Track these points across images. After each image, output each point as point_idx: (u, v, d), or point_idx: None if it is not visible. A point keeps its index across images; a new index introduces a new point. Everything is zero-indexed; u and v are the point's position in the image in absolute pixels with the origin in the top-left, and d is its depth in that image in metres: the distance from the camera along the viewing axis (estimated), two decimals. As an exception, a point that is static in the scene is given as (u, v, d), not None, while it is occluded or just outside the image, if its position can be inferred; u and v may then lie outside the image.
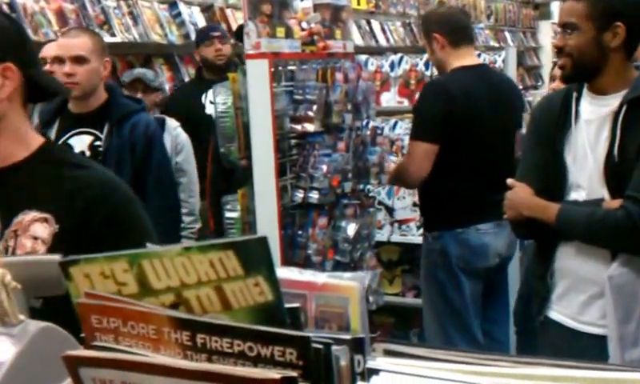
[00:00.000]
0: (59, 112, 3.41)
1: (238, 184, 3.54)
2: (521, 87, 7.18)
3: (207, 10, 6.12)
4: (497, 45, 9.61)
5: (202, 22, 6.02)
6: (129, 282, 0.93)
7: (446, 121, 3.48)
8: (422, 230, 4.07)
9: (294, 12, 3.31)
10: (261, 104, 3.19)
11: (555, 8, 13.10)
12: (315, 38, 3.39)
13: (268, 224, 3.22)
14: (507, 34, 10.47)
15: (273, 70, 3.17)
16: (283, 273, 0.92)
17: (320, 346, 0.82)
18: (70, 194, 1.69)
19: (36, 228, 1.66)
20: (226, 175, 3.74)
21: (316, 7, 3.47)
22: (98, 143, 3.33)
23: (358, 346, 0.87)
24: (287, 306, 0.88)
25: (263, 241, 0.85)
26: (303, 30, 3.33)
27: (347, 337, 0.87)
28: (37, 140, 1.77)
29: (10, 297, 1.13)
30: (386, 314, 4.76)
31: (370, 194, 3.98)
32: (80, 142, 3.34)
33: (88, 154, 3.30)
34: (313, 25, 3.37)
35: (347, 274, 0.94)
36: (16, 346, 1.08)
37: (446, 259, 3.63)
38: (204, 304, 0.90)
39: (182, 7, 5.85)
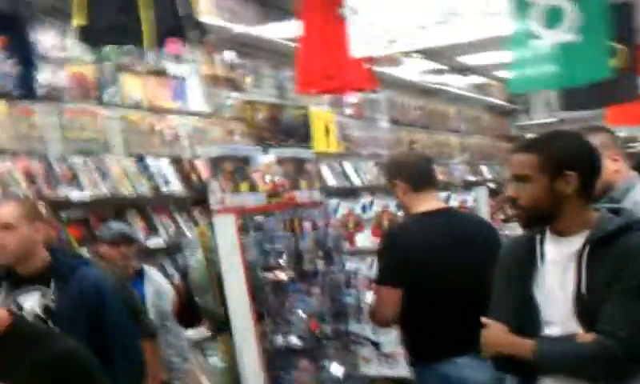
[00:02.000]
0: (7, 272, 3.44)
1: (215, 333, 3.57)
2: (502, 217, 7.28)
3: (176, 162, 6.20)
4: (474, 178, 9.78)
5: (171, 174, 6.07)
6: None
7: (404, 267, 3.54)
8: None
9: (257, 166, 3.41)
10: (231, 256, 3.25)
11: (530, 138, 13.42)
12: (280, 189, 3.48)
13: (251, 366, 3.24)
14: (483, 167, 10.67)
15: (241, 221, 3.24)
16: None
17: None
18: (38, 367, 1.75)
19: None
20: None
21: (279, 160, 3.58)
22: (46, 302, 3.35)
23: None
24: None
25: None
26: (267, 183, 3.43)
27: None
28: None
29: None
30: None
31: (354, 332, 3.99)
32: (30, 299, 3.37)
33: (39, 311, 3.33)
34: (277, 178, 3.47)
35: None
36: None
37: None
38: None
39: (149, 160, 5.92)
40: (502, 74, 11.66)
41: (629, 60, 7.75)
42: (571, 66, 6.47)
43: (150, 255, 5.52)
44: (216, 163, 3.20)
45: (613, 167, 3.23)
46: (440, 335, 3.59)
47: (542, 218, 2.50)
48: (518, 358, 2.48)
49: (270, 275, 3.43)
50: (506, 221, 6.93)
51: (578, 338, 2.40)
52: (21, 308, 3.32)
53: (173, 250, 5.97)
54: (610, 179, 3.20)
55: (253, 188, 3.31)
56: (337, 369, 3.55)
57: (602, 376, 2.39)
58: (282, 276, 3.43)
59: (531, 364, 2.46)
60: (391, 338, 4.85)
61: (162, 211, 6.01)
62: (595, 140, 2.99)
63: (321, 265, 3.62)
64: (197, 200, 4.48)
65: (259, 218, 3.45)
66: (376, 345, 4.87)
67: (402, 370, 4.63)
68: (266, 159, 3.50)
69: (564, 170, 2.47)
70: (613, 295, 2.35)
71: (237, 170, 3.22)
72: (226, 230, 3.26)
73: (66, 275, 3.37)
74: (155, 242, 5.70)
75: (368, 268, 4.90)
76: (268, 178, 3.45)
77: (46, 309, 3.33)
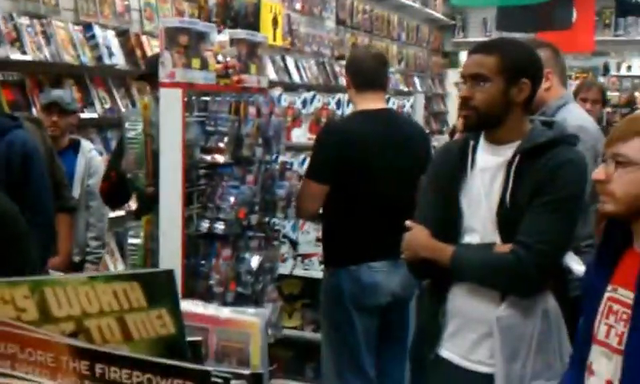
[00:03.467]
0: None
1: (142, 212, 3.51)
2: (427, 131, 7.36)
3: (122, 34, 6.06)
4: (406, 89, 9.83)
5: (116, 47, 5.94)
6: (29, 308, 0.93)
7: (337, 163, 3.56)
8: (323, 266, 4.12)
9: (211, 45, 3.32)
10: (172, 133, 3.18)
11: (463, 57, 13.54)
12: (230, 71, 3.41)
13: (171, 252, 3.20)
14: (416, 80, 10.72)
15: (186, 99, 3.17)
16: (187, 306, 0.93)
17: (220, 381, 0.83)
18: None
19: None
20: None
21: (233, 41, 3.49)
22: None
23: (257, 382, 0.89)
24: (189, 339, 0.89)
25: (169, 274, 0.86)
26: (219, 62, 3.35)
27: (247, 372, 0.89)
28: None
29: None
30: (285, 347, 4.76)
31: (276, 228, 4.00)
32: None
33: None
34: (229, 58, 3.39)
35: (250, 310, 0.96)
36: None
37: (340, 295, 3.68)
38: (105, 334, 0.90)
39: (96, 30, 5.77)
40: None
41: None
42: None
43: (81, 127, 5.40)
44: (171, 35, 3.09)
45: (544, 85, 3.27)
46: (361, 238, 3.65)
47: (490, 123, 2.51)
48: (435, 264, 2.53)
49: (207, 157, 3.38)
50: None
51: (496, 248, 2.46)
52: None
53: (104, 124, 5.86)
54: (541, 94, 3.24)
55: (204, 66, 3.23)
56: (256, 262, 3.55)
57: (514, 287, 2.46)
58: (220, 159, 3.38)
59: (447, 270, 2.52)
60: (310, 239, 4.91)
61: (100, 84, 5.87)
62: (540, 54, 3.02)
63: (259, 152, 3.58)
64: (141, 74, 4.35)
65: (205, 97, 3.38)
66: (294, 244, 4.92)
67: (315, 272, 4.71)
68: (220, 38, 3.41)
69: (520, 77, 2.49)
70: (534, 208, 2.40)
71: (191, 45, 3.13)
72: (170, 105, 3.18)
73: None
74: (88, 115, 5.59)
75: (300, 164, 4.92)
76: (220, 57, 3.37)
77: None
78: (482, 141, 2.58)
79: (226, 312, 0.96)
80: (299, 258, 4.88)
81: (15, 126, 3.51)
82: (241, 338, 0.94)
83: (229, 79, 3.42)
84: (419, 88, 10.62)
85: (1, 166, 3.31)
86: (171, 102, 3.15)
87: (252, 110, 3.43)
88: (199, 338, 0.91)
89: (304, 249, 4.88)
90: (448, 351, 2.63)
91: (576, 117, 3.25)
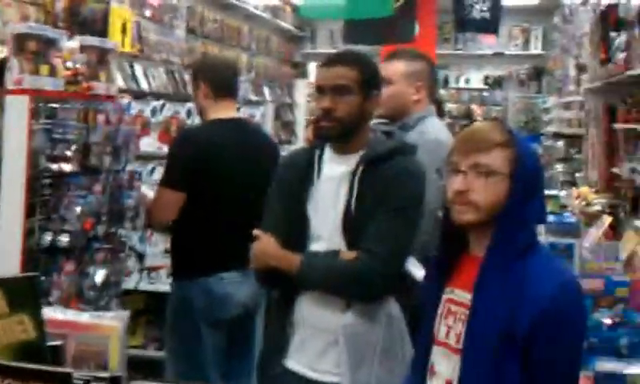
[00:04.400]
0: None
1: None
2: (276, 141, 7.45)
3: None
4: (255, 98, 9.91)
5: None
6: None
7: (193, 171, 3.55)
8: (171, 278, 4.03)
9: (60, 51, 3.26)
10: (17, 140, 3.10)
11: (312, 68, 13.81)
12: (79, 78, 3.36)
13: (9, 266, 3.05)
14: (266, 89, 10.82)
15: (35, 105, 3.10)
16: (47, 312, 0.95)
17: (80, 383, 0.86)
18: None
19: None
20: None
21: (82, 48, 3.44)
22: None
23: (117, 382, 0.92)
24: (49, 344, 0.91)
25: (31, 279, 0.88)
26: (68, 69, 3.29)
27: (106, 375, 0.91)
28: None
29: None
30: (127, 367, 4.61)
31: (122, 239, 3.93)
32: None
33: None
34: (78, 65, 3.34)
35: (109, 314, 0.98)
36: None
37: (189, 308, 3.60)
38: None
39: None
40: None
41: (409, 2, 8.26)
42: (357, 0, 6.82)
43: None
44: (20, 41, 3.02)
45: (415, 96, 3.38)
46: (211, 248, 3.61)
47: (350, 134, 2.58)
48: (282, 273, 2.55)
49: (53, 166, 3.30)
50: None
51: (342, 255, 2.52)
52: None
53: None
54: (409, 106, 3.37)
55: (53, 72, 3.16)
56: (101, 276, 3.49)
57: (360, 293, 2.52)
58: (66, 168, 3.31)
59: (294, 279, 2.55)
60: (157, 251, 4.82)
61: None
62: (416, 65, 3.15)
63: (107, 162, 3.54)
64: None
65: (53, 105, 3.31)
66: (140, 257, 4.82)
67: (162, 285, 4.60)
68: (70, 44, 3.35)
69: (374, 90, 2.61)
70: (377, 215, 2.49)
71: (40, 51, 3.06)
72: (16, 112, 3.09)
73: None
74: None
75: (149, 173, 4.86)
76: (69, 64, 3.31)
77: None
78: (327, 150, 2.65)
79: (85, 317, 0.98)
80: (145, 272, 4.78)
81: None
82: (99, 341, 0.97)
83: (78, 86, 3.36)
84: (269, 97, 10.71)
85: None
86: (17, 109, 3.07)
87: (101, 117, 3.39)
88: (60, 343, 0.92)
89: (151, 261, 4.78)
90: (295, 362, 2.63)
91: (434, 130, 3.38)
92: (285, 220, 2.63)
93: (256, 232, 2.63)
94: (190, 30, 8.06)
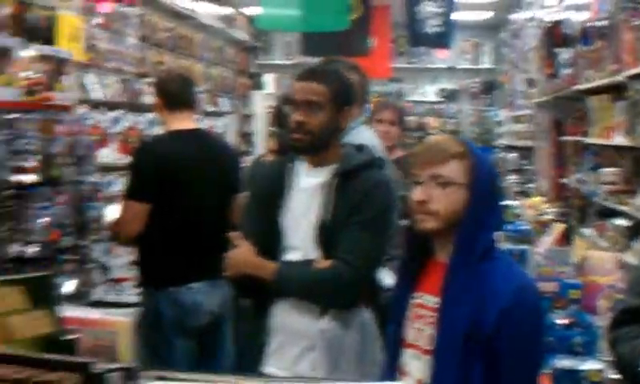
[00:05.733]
0: None
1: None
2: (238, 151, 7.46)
3: None
4: (212, 109, 9.90)
5: None
6: None
7: (155, 181, 3.57)
8: (138, 289, 4.03)
9: (16, 60, 3.24)
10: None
11: (268, 79, 13.84)
12: (37, 88, 3.34)
13: None
14: (223, 100, 10.82)
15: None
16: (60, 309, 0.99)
17: (99, 372, 0.89)
18: None
19: None
20: None
21: (39, 58, 3.42)
22: None
23: (130, 374, 0.95)
24: (65, 337, 0.94)
25: (49, 278, 0.92)
26: (26, 79, 3.27)
27: (122, 365, 0.95)
28: None
29: None
30: None
31: (87, 251, 3.92)
32: None
33: None
34: (36, 74, 3.33)
35: (117, 311, 1.02)
36: None
37: (159, 319, 3.62)
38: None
39: None
40: (249, 10, 11.88)
41: (362, 12, 8.39)
42: (314, 13, 6.90)
43: None
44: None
45: None
46: (178, 258, 3.64)
47: (321, 147, 2.66)
48: (259, 280, 2.62)
49: (15, 178, 3.29)
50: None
51: (316, 264, 2.60)
52: None
53: None
54: None
55: (9, 82, 3.15)
56: (69, 286, 3.48)
57: (334, 300, 2.61)
58: (28, 179, 3.31)
59: (270, 287, 2.62)
60: (121, 263, 4.81)
61: None
62: (349, 76, 3.21)
63: (70, 172, 3.53)
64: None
65: (11, 116, 3.29)
66: (105, 269, 4.81)
67: (128, 296, 4.57)
68: (26, 54, 3.33)
69: (345, 105, 2.69)
70: (350, 226, 2.58)
71: (-5, 60, 3.05)
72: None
73: None
74: None
75: (108, 184, 4.85)
76: (26, 73, 3.29)
77: None
78: (301, 163, 2.73)
79: (95, 314, 1.03)
80: (111, 283, 4.76)
81: None
82: (109, 336, 1.01)
83: (36, 96, 3.35)
84: (226, 108, 10.71)
85: None
86: (-25, 120, 3.05)
87: (61, 128, 3.38)
88: (75, 336, 0.97)
89: (116, 273, 4.77)
90: (272, 367, 2.69)
91: (363, 138, 3.44)
92: (260, 229, 2.70)
93: (233, 235, 2.69)
94: (142, 38, 8.00)
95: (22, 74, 3.27)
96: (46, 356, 0.87)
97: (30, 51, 3.35)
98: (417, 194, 2.07)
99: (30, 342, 0.93)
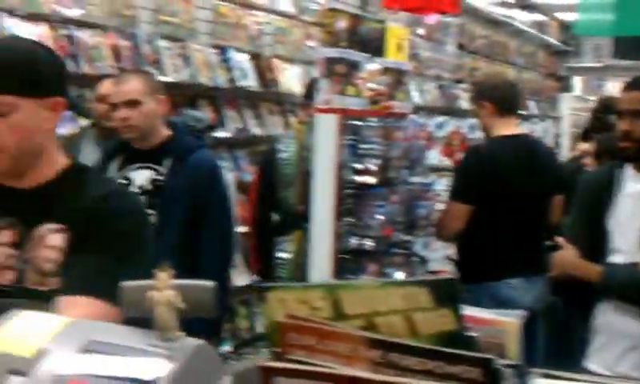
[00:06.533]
0: (121, 147, 3.45)
1: (289, 228, 3.70)
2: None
3: (255, 58, 6.33)
4: (523, 112, 9.87)
5: (248, 69, 6.19)
6: (323, 307, 1.12)
7: (481, 185, 3.72)
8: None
9: (362, 73, 3.53)
10: (326, 155, 3.39)
11: (577, 82, 13.46)
12: (380, 98, 3.61)
13: (321, 265, 3.39)
14: (531, 103, 10.74)
15: (342, 123, 3.38)
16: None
17: (499, 367, 1.00)
18: (87, 209, 1.75)
19: (53, 238, 1.73)
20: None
21: (382, 70, 3.69)
22: (157, 178, 3.34)
23: (520, 371, 1.07)
24: (466, 334, 1.07)
25: (452, 281, 1.05)
26: (371, 90, 3.55)
27: (514, 362, 1.07)
28: (63, 161, 1.85)
29: (174, 314, 1.13)
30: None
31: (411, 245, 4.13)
32: (140, 176, 3.36)
33: (149, 187, 3.33)
34: (380, 86, 3.59)
35: (508, 311, 1.14)
36: (172, 362, 1.07)
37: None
38: (393, 329, 1.08)
39: (231, 53, 6.04)
40: (561, 15, 11.63)
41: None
42: (629, 17, 6.57)
43: (213, 146, 5.62)
44: (330, 64, 3.32)
45: None
46: (498, 256, 3.78)
47: None
48: (582, 282, 2.70)
49: (358, 178, 3.58)
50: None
51: None
52: (130, 182, 3.30)
53: (235, 144, 6.09)
54: None
55: (357, 93, 3.44)
56: (401, 277, 3.70)
57: None
58: (371, 180, 3.58)
59: (593, 288, 2.68)
60: (438, 257, 5.01)
61: (232, 104, 6.14)
62: None
63: (405, 174, 3.77)
64: (267, 95, 4.52)
65: (357, 122, 3.58)
66: (424, 261, 5.03)
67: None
68: (370, 67, 3.61)
69: None
70: None
71: (346, 73, 3.35)
72: (326, 129, 3.39)
73: (184, 155, 3.34)
74: (221, 134, 5.79)
75: (430, 185, 5.04)
76: (371, 85, 3.57)
77: (155, 185, 3.32)
78: (628, 169, 2.75)
79: (485, 313, 1.15)
80: (429, 275, 4.98)
81: (202, 145, 3.53)
82: (500, 334, 1.13)
83: (377, 105, 3.61)
84: (534, 111, 10.60)
85: (187, 184, 3.30)
86: (327, 127, 3.37)
87: (399, 134, 3.62)
88: (475, 334, 1.08)
89: (433, 266, 4.98)
90: (595, 365, 2.73)
91: None
92: (586, 232, 2.77)
93: (560, 240, 2.80)
94: (459, 46, 8.21)
95: (368, 85, 3.54)
96: (449, 350, 0.96)
97: (375, 64, 3.62)
98: None
99: (434, 338, 1.05)
